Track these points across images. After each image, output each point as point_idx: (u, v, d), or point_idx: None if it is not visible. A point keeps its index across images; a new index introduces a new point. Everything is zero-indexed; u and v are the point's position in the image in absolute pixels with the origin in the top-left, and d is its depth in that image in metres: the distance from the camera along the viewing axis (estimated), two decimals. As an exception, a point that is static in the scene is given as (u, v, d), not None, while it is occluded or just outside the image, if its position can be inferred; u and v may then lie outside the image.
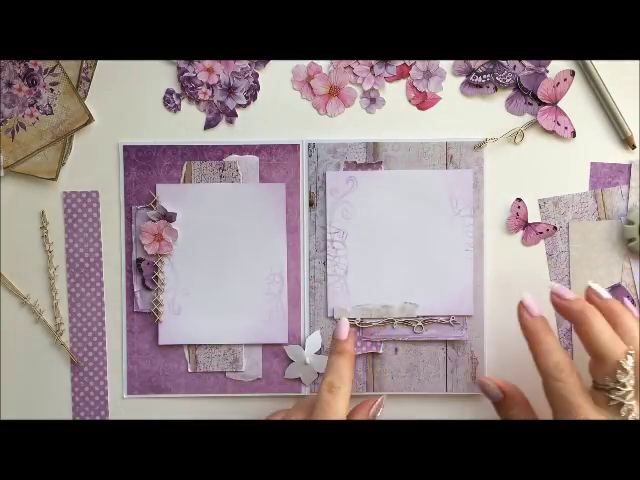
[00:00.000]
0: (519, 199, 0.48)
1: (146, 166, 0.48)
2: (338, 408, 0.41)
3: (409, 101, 0.48)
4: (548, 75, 0.48)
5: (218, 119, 0.48)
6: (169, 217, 0.48)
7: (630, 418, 0.38)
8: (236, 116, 0.48)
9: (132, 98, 0.48)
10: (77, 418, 0.49)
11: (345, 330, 0.44)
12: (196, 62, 0.48)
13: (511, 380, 0.48)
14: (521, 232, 0.48)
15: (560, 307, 0.42)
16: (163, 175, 0.48)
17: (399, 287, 0.48)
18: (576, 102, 0.48)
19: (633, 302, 0.47)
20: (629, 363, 0.39)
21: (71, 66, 0.48)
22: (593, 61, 0.47)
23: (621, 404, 0.38)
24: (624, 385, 0.38)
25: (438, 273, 0.48)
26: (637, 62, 0.47)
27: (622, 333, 0.40)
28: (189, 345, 0.49)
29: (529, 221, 0.48)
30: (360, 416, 0.44)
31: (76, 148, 0.48)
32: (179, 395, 0.49)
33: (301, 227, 0.49)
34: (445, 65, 0.48)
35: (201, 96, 0.48)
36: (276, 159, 0.48)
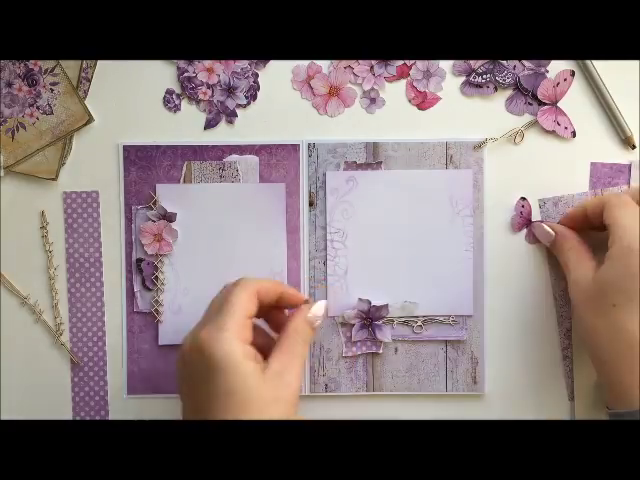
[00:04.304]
0: (523, 198, 0.48)
1: (146, 166, 0.48)
2: (233, 305, 0.39)
3: (409, 101, 0.48)
4: (548, 75, 0.48)
5: (218, 119, 0.48)
6: (169, 217, 0.48)
7: None
8: (236, 116, 0.48)
9: (132, 98, 0.48)
10: (77, 418, 0.49)
11: (322, 308, 0.43)
12: (196, 62, 0.48)
13: (511, 379, 0.48)
14: (524, 231, 0.48)
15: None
16: (163, 175, 0.48)
17: (399, 287, 0.48)
18: (576, 102, 0.48)
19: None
20: None
21: (71, 66, 0.48)
22: (593, 61, 0.47)
23: None
24: None
25: (438, 273, 0.48)
26: (637, 62, 0.47)
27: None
28: (189, 345, 0.49)
29: (533, 220, 0.48)
30: (298, 320, 0.42)
31: (76, 148, 0.48)
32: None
33: (301, 227, 0.49)
34: (445, 65, 0.48)
35: (201, 96, 0.48)
36: (276, 159, 0.48)
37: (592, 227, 0.45)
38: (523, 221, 0.48)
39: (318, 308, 0.43)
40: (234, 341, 0.38)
